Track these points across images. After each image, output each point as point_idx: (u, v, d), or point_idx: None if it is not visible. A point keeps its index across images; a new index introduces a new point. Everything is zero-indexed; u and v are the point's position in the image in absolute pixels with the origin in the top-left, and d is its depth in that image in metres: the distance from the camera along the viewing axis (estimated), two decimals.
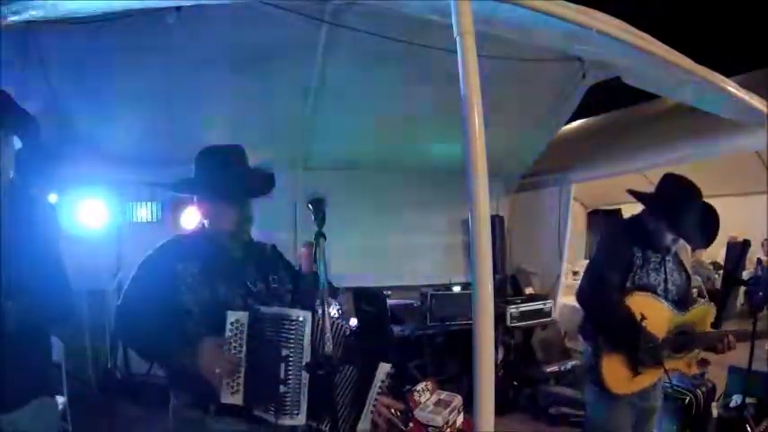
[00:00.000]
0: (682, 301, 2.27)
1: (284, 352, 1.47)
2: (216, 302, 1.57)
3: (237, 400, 1.49)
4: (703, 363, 2.29)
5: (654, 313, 2.13)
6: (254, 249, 1.78)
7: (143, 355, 1.88)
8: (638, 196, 2.31)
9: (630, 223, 2.35)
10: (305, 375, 1.46)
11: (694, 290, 2.35)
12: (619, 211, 6.74)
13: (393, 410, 1.59)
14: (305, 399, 1.47)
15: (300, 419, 1.47)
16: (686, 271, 2.39)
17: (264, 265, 1.75)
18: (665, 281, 2.24)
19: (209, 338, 1.50)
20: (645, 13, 3.69)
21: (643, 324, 2.08)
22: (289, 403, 1.45)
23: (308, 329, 1.48)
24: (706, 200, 2.26)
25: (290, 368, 1.46)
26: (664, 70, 2.44)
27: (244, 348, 1.50)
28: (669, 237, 2.20)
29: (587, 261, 2.57)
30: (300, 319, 1.48)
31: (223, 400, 1.49)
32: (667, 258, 2.27)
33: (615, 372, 2.12)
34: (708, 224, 2.24)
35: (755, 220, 5.42)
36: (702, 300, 2.38)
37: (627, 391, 2.15)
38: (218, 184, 1.67)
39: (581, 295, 2.25)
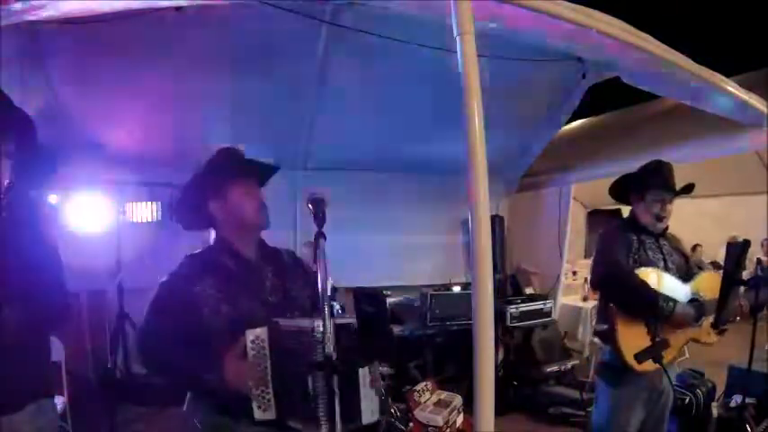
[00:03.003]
0: (683, 279, 2.36)
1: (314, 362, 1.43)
2: (236, 317, 1.54)
3: (270, 415, 1.47)
4: (721, 332, 2.34)
5: (661, 284, 2.23)
6: (269, 256, 1.74)
7: (169, 381, 1.82)
8: (617, 186, 2.55)
9: (624, 219, 2.57)
10: (335, 382, 1.42)
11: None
12: (619, 211, 6.74)
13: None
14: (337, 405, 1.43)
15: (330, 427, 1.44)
16: (684, 254, 2.51)
17: (281, 272, 1.71)
18: (664, 260, 2.37)
19: (230, 355, 1.47)
20: (645, 13, 3.69)
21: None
22: (322, 412, 1.42)
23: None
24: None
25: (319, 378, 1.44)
26: (664, 70, 2.44)
27: (268, 363, 1.47)
28: (650, 219, 2.37)
29: (588, 261, 2.68)
30: (320, 328, 1.44)
31: (257, 418, 1.46)
32: (662, 242, 2.42)
33: (636, 346, 2.14)
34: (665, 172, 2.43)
35: (755, 220, 5.42)
36: (706, 270, 2.55)
37: (648, 368, 2.16)
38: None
39: (597, 275, 2.37)
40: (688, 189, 2.43)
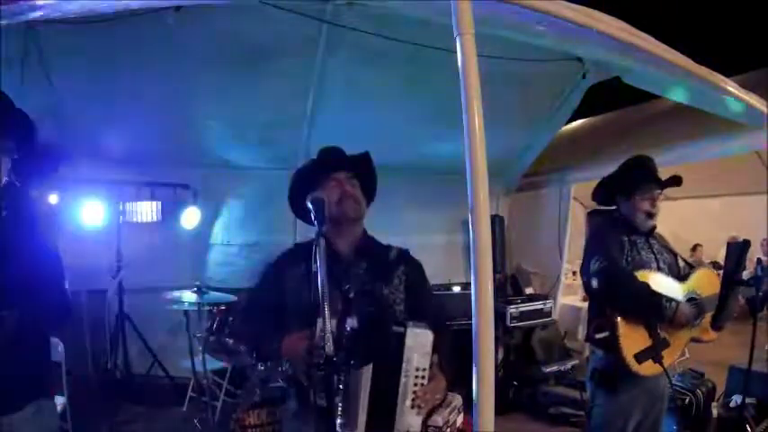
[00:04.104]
0: (676, 277, 2.34)
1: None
2: (312, 305, 1.54)
3: (323, 403, 1.48)
4: (719, 328, 2.33)
5: (659, 285, 2.20)
6: (369, 251, 1.75)
7: (251, 356, 2.07)
8: (601, 190, 2.51)
9: (610, 216, 2.50)
10: (366, 384, 1.47)
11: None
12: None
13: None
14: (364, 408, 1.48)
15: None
16: (673, 252, 2.46)
17: (376, 269, 1.71)
18: (656, 259, 2.33)
19: (297, 334, 1.53)
20: (645, 13, 3.69)
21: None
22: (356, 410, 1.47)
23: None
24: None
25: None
26: (664, 70, 2.44)
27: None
28: (641, 216, 2.33)
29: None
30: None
31: (318, 402, 1.47)
32: (652, 241, 2.38)
33: (638, 350, 2.14)
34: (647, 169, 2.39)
35: (755, 220, 5.42)
36: (700, 267, 2.53)
37: (650, 372, 2.16)
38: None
39: (596, 278, 2.25)
40: (675, 181, 2.36)
